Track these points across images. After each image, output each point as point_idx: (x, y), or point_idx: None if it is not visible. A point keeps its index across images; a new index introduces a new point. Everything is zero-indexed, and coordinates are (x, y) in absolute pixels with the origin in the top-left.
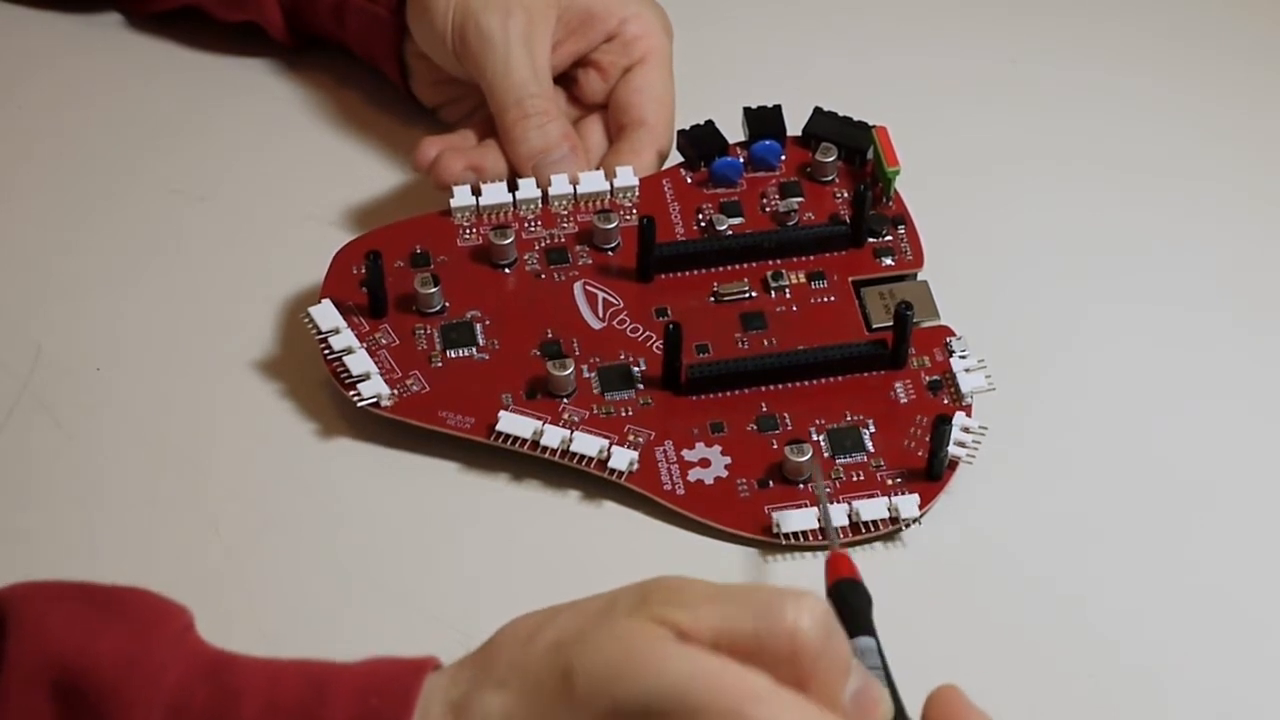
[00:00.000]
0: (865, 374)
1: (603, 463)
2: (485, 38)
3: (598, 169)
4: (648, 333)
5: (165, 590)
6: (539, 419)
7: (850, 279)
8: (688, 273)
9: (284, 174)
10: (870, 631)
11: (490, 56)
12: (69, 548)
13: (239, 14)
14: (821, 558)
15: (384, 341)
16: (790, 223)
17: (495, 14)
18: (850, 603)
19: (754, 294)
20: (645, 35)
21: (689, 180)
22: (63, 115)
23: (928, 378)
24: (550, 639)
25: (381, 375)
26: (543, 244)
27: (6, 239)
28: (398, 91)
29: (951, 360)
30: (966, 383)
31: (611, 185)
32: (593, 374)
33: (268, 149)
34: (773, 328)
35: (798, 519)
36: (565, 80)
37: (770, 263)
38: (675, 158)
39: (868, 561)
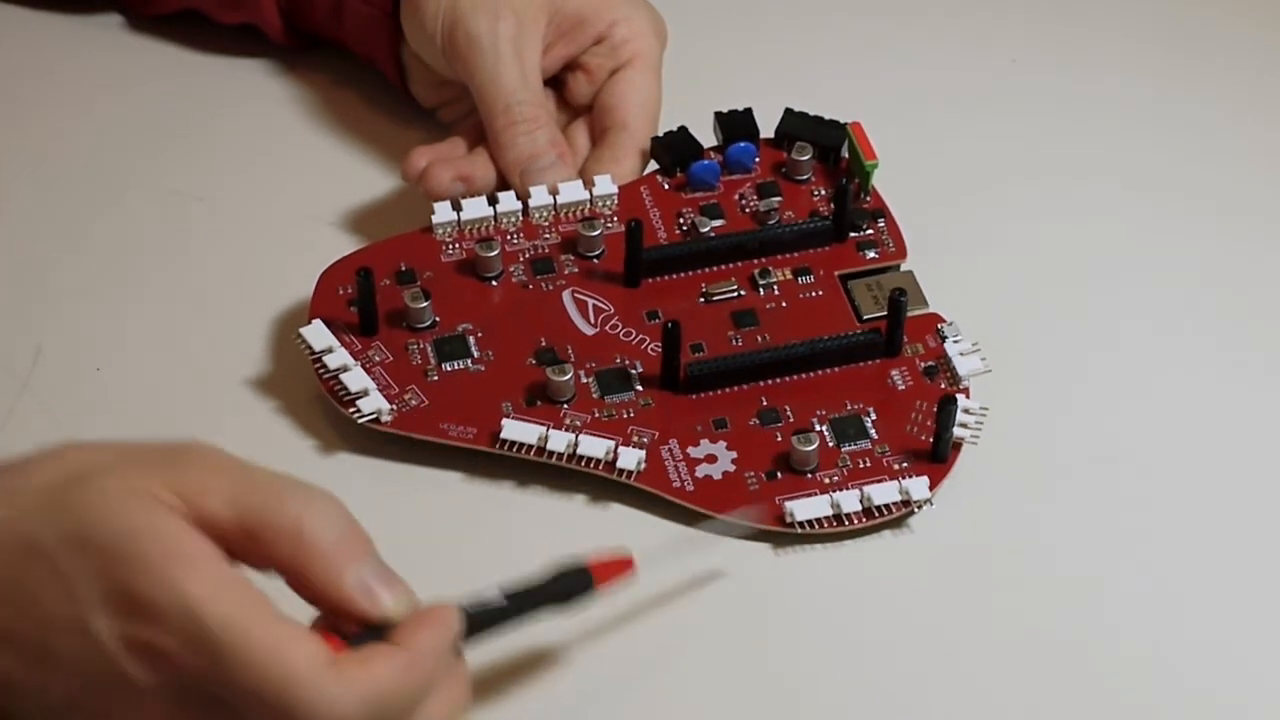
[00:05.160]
0: (862, 364)
1: (610, 464)
2: (474, 42)
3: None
4: (641, 336)
5: None
6: (542, 425)
7: (836, 273)
8: (675, 275)
9: (283, 175)
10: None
11: (479, 61)
12: None
13: (237, 15)
14: (832, 550)
15: (378, 358)
16: (771, 221)
17: (484, 18)
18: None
19: (743, 292)
20: (634, 38)
21: (666, 186)
22: (63, 116)
23: (923, 364)
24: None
25: (380, 391)
26: (527, 255)
27: (7, 239)
28: (396, 92)
29: (945, 345)
30: (963, 366)
31: (591, 194)
32: (591, 378)
33: (267, 150)
34: (765, 324)
35: (810, 507)
36: (554, 83)
37: (756, 261)
38: (650, 165)
39: (878, 549)
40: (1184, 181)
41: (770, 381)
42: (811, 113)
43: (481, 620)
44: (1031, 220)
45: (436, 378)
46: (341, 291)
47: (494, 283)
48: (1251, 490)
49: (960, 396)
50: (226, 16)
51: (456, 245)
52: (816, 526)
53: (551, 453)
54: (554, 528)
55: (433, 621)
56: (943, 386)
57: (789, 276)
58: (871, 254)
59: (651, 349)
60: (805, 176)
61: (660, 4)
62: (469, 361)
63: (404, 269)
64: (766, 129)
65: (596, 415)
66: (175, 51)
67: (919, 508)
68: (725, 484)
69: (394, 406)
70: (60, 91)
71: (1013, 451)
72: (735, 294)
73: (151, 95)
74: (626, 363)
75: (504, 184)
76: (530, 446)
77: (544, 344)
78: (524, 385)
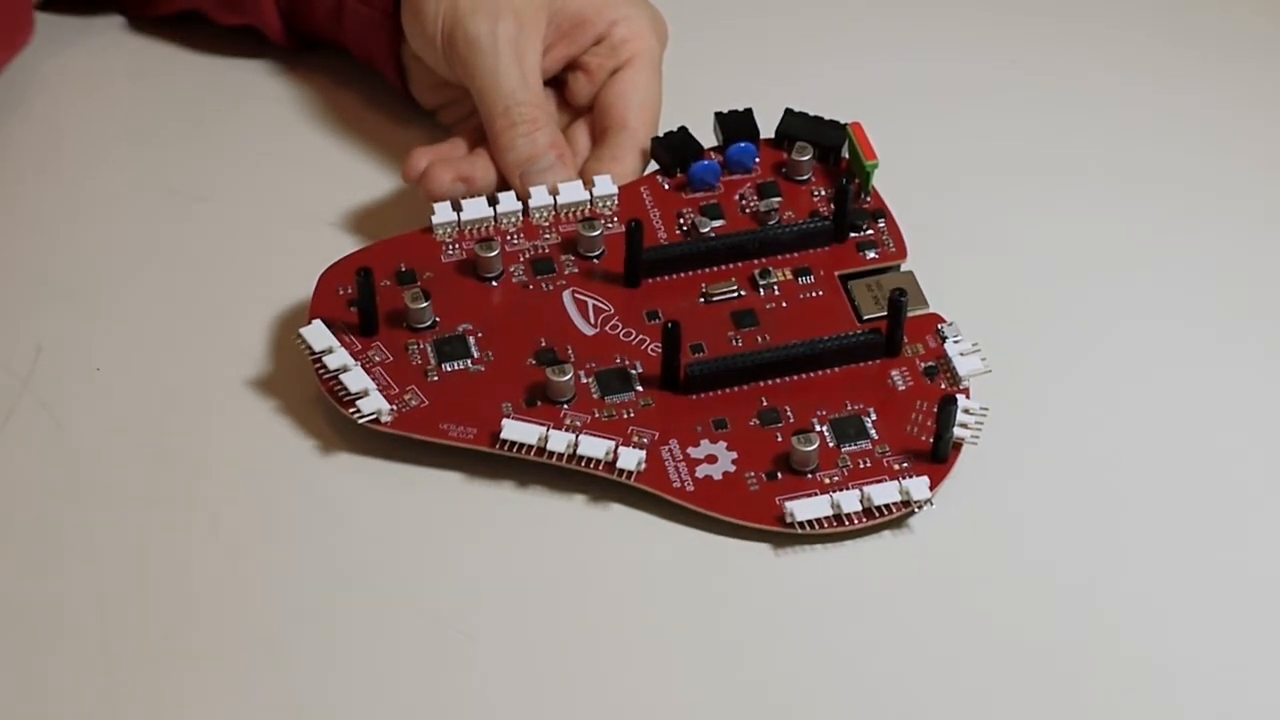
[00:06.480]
0: (862, 364)
1: (610, 464)
2: (473, 44)
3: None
4: (641, 336)
5: (165, 592)
6: (542, 425)
7: (836, 273)
8: (675, 275)
9: (283, 175)
10: None
11: (479, 63)
12: (69, 548)
13: (237, 17)
14: (832, 551)
15: (378, 359)
16: (771, 222)
17: (484, 19)
18: None
19: (743, 293)
20: (634, 38)
21: (666, 186)
22: (63, 115)
23: (923, 364)
24: None
25: (380, 391)
26: (527, 255)
27: (6, 239)
28: (396, 92)
29: (945, 345)
30: (963, 366)
31: (591, 194)
32: (591, 378)
33: (267, 151)
34: (765, 324)
35: (810, 507)
36: (554, 83)
37: (756, 261)
38: (650, 165)
39: (878, 550)
40: (1185, 180)
41: (770, 382)
42: (812, 113)
43: None
44: (1032, 220)
45: (436, 378)
46: (341, 292)
47: (494, 283)
48: (1255, 490)
49: (960, 397)
50: (227, 18)
51: (456, 245)
52: (816, 527)
53: (551, 453)
54: (554, 528)
55: None
56: (943, 387)
57: (789, 277)
58: (872, 254)
59: (651, 349)
60: (805, 177)
61: (661, 4)
62: (469, 362)
63: (404, 269)
64: (767, 129)
65: (596, 415)
66: (175, 51)
67: (919, 508)
68: (725, 484)
69: (394, 407)
70: (60, 91)
71: (1013, 452)
72: (735, 294)
73: (152, 95)
74: (626, 363)
75: (504, 184)
76: (530, 447)
77: (544, 344)
78: (524, 385)
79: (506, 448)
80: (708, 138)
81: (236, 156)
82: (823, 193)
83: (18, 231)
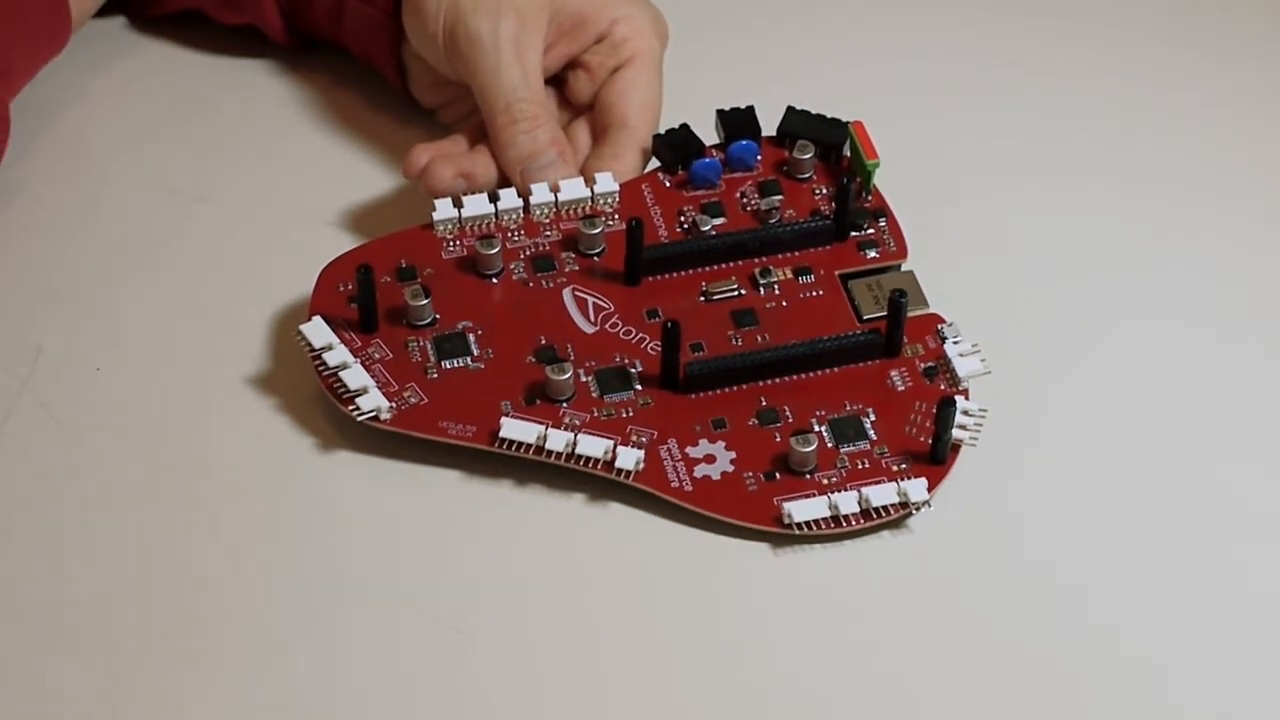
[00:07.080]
0: (861, 364)
1: (609, 463)
2: (475, 41)
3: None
4: (641, 334)
5: (165, 591)
6: (541, 424)
7: (836, 273)
8: (675, 274)
9: (283, 175)
10: None
11: (480, 60)
12: (69, 547)
13: (238, 17)
14: (830, 552)
15: (377, 356)
16: (772, 220)
17: (485, 17)
18: None
19: (743, 291)
20: (634, 36)
21: (667, 184)
22: (63, 115)
23: (922, 365)
24: None
25: (379, 389)
26: (528, 253)
27: (6, 239)
28: (397, 91)
29: (945, 346)
30: (963, 367)
31: (592, 191)
32: (590, 377)
33: (267, 150)
34: (764, 324)
35: (808, 508)
36: (555, 81)
37: (756, 260)
38: (652, 163)
39: (876, 551)
40: (1185, 180)
41: (770, 381)
42: (813, 111)
43: None
44: (1033, 220)
45: (436, 375)
46: (342, 288)
47: (494, 280)
48: (1255, 491)
49: (959, 398)
50: (228, 18)
51: (457, 242)
52: (814, 528)
53: (550, 452)
54: (553, 527)
55: None
56: (942, 388)
57: (789, 276)
58: (872, 253)
59: (651, 348)
60: (807, 175)
61: (662, 3)
62: (469, 359)
63: (404, 266)
64: (768, 127)
65: (595, 414)
66: (176, 51)
67: (917, 509)
68: (723, 484)
69: (393, 404)
70: (61, 91)
71: (1012, 454)
72: (735, 293)
73: (152, 95)
74: (626, 361)
75: (505, 181)
76: (529, 445)
77: (544, 342)
78: (523, 384)
79: (505, 446)
80: (710, 135)
81: (236, 156)
82: (824, 191)
83: (18, 231)
